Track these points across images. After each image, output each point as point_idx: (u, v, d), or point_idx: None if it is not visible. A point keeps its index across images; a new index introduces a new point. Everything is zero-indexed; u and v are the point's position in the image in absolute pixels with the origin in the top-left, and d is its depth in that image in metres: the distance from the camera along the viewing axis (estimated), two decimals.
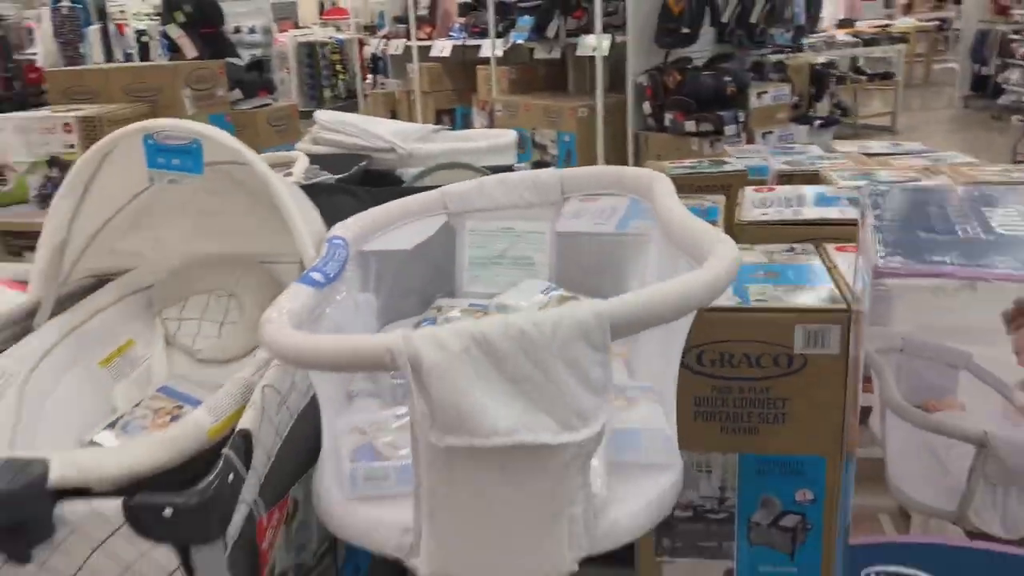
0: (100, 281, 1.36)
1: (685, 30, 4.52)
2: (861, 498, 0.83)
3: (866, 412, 0.81)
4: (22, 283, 1.40)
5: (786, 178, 2.03)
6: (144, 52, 10.98)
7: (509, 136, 2.61)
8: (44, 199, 3.42)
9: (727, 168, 2.08)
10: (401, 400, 1.07)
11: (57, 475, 0.84)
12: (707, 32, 4.65)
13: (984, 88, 8.71)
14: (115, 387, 1.24)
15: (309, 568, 1.05)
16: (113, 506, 0.84)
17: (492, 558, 0.85)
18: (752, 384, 1.23)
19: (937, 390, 0.79)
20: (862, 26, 9.27)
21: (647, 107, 4.67)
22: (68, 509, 0.85)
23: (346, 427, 1.01)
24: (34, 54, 12.26)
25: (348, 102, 9.71)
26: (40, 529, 0.85)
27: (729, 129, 4.37)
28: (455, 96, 6.44)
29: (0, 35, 12.82)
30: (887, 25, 10.09)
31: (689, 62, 4.59)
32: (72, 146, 3.30)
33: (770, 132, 4.58)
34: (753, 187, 1.86)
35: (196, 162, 1.17)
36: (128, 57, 9.71)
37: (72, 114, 3.33)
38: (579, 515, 0.85)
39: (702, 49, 4.66)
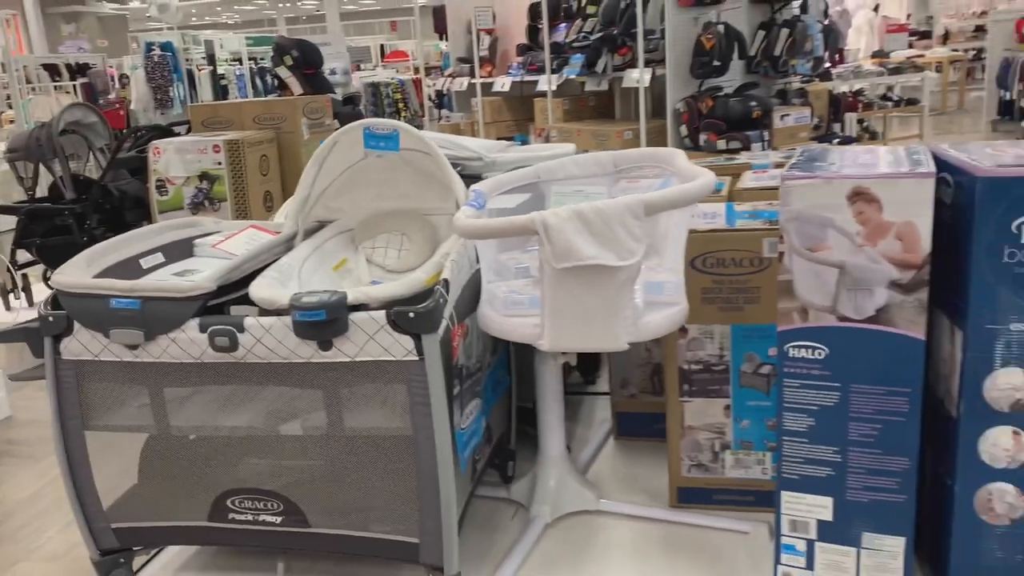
0: (320, 225, 2.14)
1: (716, 63, 5.26)
2: (781, 303, 1.55)
3: (781, 254, 1.53)
4: (269, 230, 2.19)
5: (780, 167, 2.75)
6: (223, 93, 12.16)
7: (568, 147, 3.36)
8: (196, 207, 4.25)
9: (737, 162, 2.82)
10: (517, 278, 1.83)
11: (351, 298, 1.59)
12: (736, 64, 5.39)
13: (1011, 112, 9.28)
14: (342, 283, 2.02)
15: (473, 371, 1.79)
16: (381, 314, 1.59)
17: (582, 336, 1.58)
18: (737, 278, 1.94)
19: (818, 240, 1.50)
20: (899, 56, 9.92)
21: (684, 129, 5.41)
22: (356, 316, 1.60)
23: (494, 285, 1.76)
24: (117, 101, 13.37)
25: None
26: (340, 326, 1.60)
27: (756, 147, 5.08)
28: (514, 126, 7.26)
29: (85, 82, 14.01)
30: (920, 55, 10.75)
31: (720, 90, 5.33)
32: (220, 163, 4.13)
33: (793, 149, 5.28)
34: (753, 171, 2.59)
35: (395, 144, 1.95)
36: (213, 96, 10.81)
37: (219, 138, 4.16)
38: (629, 316, 1.58)
39: (731, 79, 5.40)
